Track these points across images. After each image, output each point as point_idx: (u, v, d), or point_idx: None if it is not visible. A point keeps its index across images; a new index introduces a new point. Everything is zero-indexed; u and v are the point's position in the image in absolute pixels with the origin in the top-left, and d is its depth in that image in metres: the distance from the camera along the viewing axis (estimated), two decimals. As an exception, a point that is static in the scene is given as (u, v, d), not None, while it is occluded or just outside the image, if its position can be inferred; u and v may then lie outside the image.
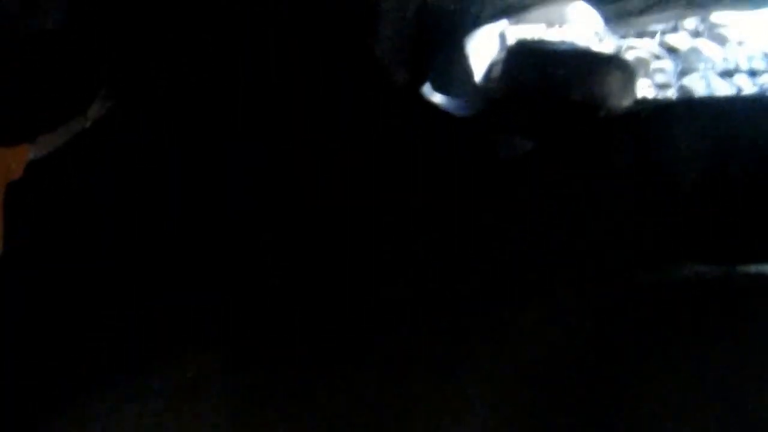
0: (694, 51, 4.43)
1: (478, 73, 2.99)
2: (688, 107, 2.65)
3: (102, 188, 2.09)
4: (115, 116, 1.98)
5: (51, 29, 1.96)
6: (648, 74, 4.20)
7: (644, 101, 3.09)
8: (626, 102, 2.97)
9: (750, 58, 4.33)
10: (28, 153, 1.68)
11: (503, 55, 3.00)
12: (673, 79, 4.24)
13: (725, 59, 4.36)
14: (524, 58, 2.91)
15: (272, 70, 2.26)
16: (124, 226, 2.12)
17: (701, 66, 4.29)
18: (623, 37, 4.47)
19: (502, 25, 3.69)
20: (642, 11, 3.52)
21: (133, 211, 2.13)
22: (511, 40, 3.70)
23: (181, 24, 2.08)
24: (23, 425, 1.58)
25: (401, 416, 1.43)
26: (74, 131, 1.75)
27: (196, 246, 2.14)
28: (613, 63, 3.14)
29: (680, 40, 4.56)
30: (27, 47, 1.96)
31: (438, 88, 2.76)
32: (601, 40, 4.42)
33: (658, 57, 4.38)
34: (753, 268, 1.53)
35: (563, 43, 3.50)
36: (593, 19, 3.49)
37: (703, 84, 4.10)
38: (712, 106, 2.65)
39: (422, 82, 2.66)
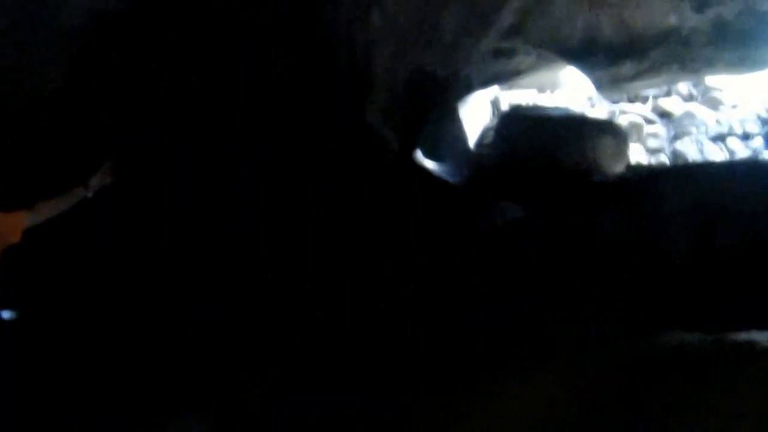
0: (688, 115, 4.47)
1: (471, 138, 3.01)
2: (681, 173, 2.67)
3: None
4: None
5: (50, 91, 2.01)
6: (641, 139, 4.23)
7: (637, 166, 3.10)
8: (619, 167, 2.99)
9: (743, 122, 4.35)
10: (25, 219, 1.69)
11: (496, 120, 3.03)
12: (665, 144, 4.26)
13: (718, 123, 4.39)
14: (517, 124, 2.94)
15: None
16: (124, 290, 2.13)
17: (694, 130, 4.31)
18: (616, 102, 4.53)
19: (495, 90, 3.76)
20: (635, 76, 3.54)
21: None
22: (503, 106, 3.76)
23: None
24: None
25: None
26: (75, 200, 1.76)
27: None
28: (605, 128, 3.17)
29: (673, 105, 4.60)
30: (26, 110, 2.00)
31: (430, 153, 2.79)
32: (593, 105, 4.49)
33: (650, 121, 4.41)
34: (742, 336, 1.52)
35: (556, 108, 3.54)
36: (585, 84, 3.54)
37: (696, 148, 4.11)
38: (704, 171, 2.67)
39: (414, 148, 2.69)
